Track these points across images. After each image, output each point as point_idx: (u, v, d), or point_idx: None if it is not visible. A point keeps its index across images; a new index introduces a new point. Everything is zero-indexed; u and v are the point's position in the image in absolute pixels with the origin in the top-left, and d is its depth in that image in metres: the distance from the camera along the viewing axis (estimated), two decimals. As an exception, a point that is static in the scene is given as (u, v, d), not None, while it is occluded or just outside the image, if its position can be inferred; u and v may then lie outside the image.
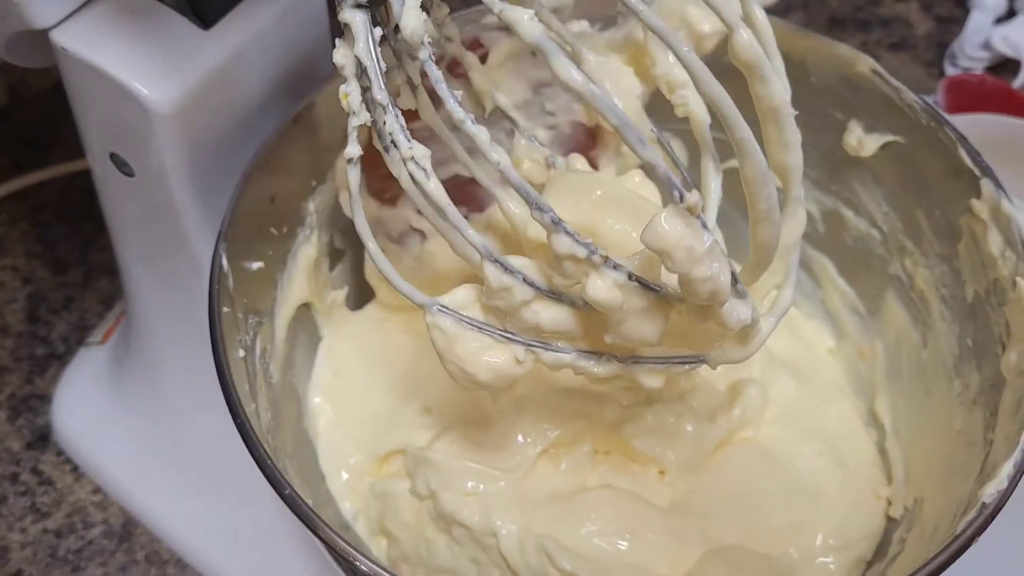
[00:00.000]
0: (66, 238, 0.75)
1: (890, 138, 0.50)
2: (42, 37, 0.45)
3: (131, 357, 0.62)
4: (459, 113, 0.36)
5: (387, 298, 0.54)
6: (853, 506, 0.48)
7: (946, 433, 0.47)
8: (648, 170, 0.32)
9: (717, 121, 0.35)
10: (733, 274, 0.35)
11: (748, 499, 0.48)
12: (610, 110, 0.32)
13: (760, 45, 0.35)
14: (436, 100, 0.39)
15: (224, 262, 0.43)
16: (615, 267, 0.36)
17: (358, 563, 0.37)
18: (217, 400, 0.57)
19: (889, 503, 0.49)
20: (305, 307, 0.52)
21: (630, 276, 0.36)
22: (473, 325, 0.40)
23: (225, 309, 0.42)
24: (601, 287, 0.36)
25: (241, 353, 0.43)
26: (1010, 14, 0.89)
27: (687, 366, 0.42)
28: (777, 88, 0.35)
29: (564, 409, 0.49)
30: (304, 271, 0.51)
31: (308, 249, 0.51)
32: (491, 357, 0.40)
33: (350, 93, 0.40)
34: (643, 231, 0.33)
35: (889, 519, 0.49)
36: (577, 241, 0.35)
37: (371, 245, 0.41)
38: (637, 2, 0.33)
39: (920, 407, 0.50)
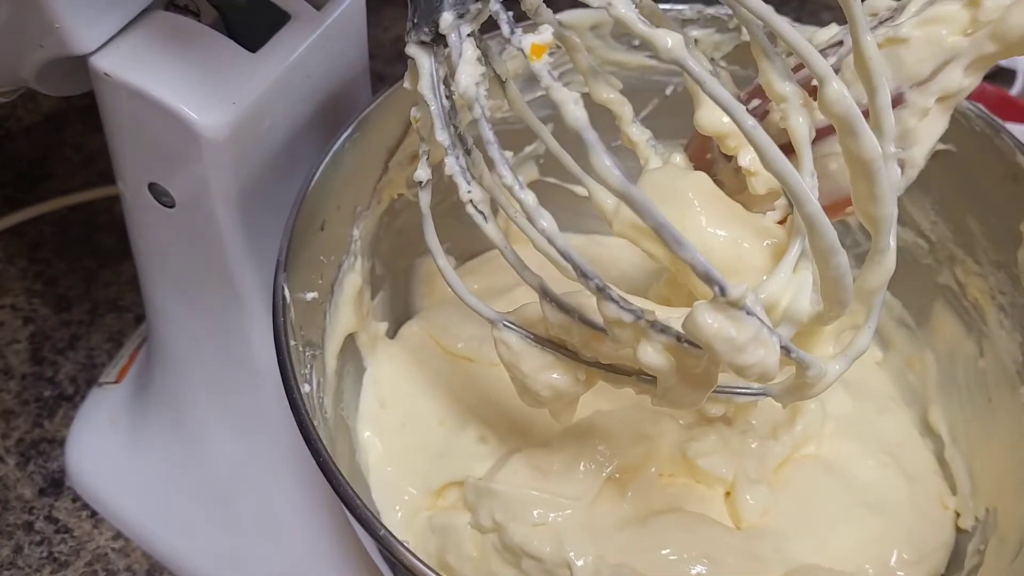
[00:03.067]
0: (67, 274, 0.72)
1: (940, 147, 0.50)
2: (76, 63, 0.43)
3: (153, 395, 0.59)
4: (508, 178, 0.35)
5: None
6: (923, 518, 0.48)
7: (1015, 441, 0.46)
8: (689, 267, 0.31)
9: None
10: (789, 348, 0.35)
11: (819, 517, 0.47)
12: (649, 214, 0.31)
13: (868, 73, 0.34)
14: (489, 161, 0.38)
15: (286, 293, 0.41)
16: (663, 330, 0.35)
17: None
18: (249, 437, 0.55)
19: (957, 514, 0.48)
20: (350, 337, 0.50)
21: (679, 338, 0.35)
22: (537, 343, 0.40)
23: (293, 342, 0.40)
24: (651, 353, 0.35)
25: (307, 388, 0.42)
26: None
27: (751, 397, 0.42)
28: (869, 142, 0.34)
29: (626, 431, 0.47)
30: (350, 300, 0.49)
31: (353, 277, 0.49)
32: (554, 375, 0.40)
33: (420, 118, 0.38)
34: (684, 320, 0.33)
35: (959, 530, 0.48)
36: (623, 307, 0.35)
37: (441, 262, 0.40)
38: (701, 71, 0.32)
39: (981, 416, 0.49)
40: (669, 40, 0.32)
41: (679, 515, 0.46)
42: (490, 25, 0.36)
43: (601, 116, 0.47)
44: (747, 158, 0.43)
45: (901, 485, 0.48)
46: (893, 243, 0.37)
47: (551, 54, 0.52)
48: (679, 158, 0.44)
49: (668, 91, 0.55)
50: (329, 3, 0.46)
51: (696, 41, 0.53)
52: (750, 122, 0.32)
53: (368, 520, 0.36)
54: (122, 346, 0.68)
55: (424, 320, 0.55)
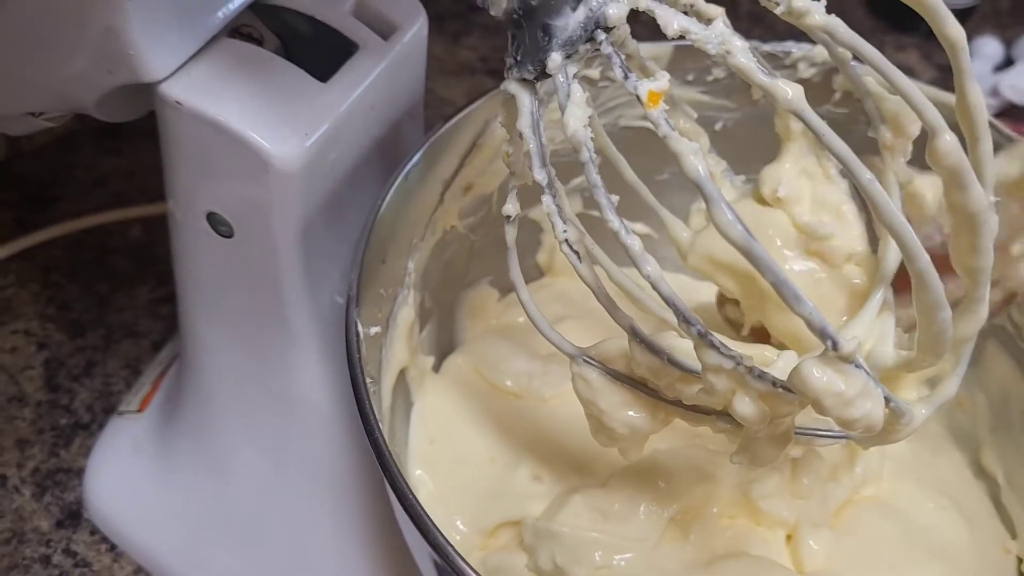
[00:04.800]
0: (81, 298, 0.70)
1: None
2: (139, 90, 0.42)
3: (181, 425, 0.58)
4: (615, 223, 0.34)
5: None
6: (985, 563, 0.47)
7: (1074, 485, 0.46)
8: (804, 322, 0.31)
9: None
10: (888, 397, 0.35)
11: (884, 561, 0.46)
12: (769, 269, 0.31)
13: (972, 122, 0.34)
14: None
15: (359, 328, 0.40)
16: (760, 376, 0.35)
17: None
18: (283, 472, 0.54)
19: (1020, 560, 0.48)
20: (400, 372, 0.49)
21: (775, 383, 0.35)
22: (617, 379, 0.40)
23: (369, 380, 0.39)
24: (747, 404, 0.35)
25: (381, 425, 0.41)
26: (1008, 62, 0.91)
27: (832, 439, 0.41)
28: (977, 195, 0.34)
29: (686, 470, 0.47)
30: (403, 334, 0.48)
31: (407, 311, 0.48)
32: (632, 412, 0.40)
33: (511, 152, 0.38)
34: (789, 374, 0.33)
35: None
36: (723, 353, 0.34)
37: (524, 295, 0.40)
38: (820, 122, 0.32)
39: (1039, 460, 0.50)
40: (789, 91, 0.31)
41: (746, 559, 0.45)
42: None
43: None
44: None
45: (962, 528, 0.48)
46: (987, 294, 0.37)
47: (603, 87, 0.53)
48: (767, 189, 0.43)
49: (718, 126, 0.55)
50: (395, 33, 0.45)
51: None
52: (867, 176, 0.32)
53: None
54: (140, 373, 0.66)
55: (468, 354, 0.54)
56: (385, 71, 0.44)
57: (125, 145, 0.79)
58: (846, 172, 0.43)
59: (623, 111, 0.53)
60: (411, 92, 0.48)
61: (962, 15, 0.97)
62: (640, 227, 0.58)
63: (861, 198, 0.44)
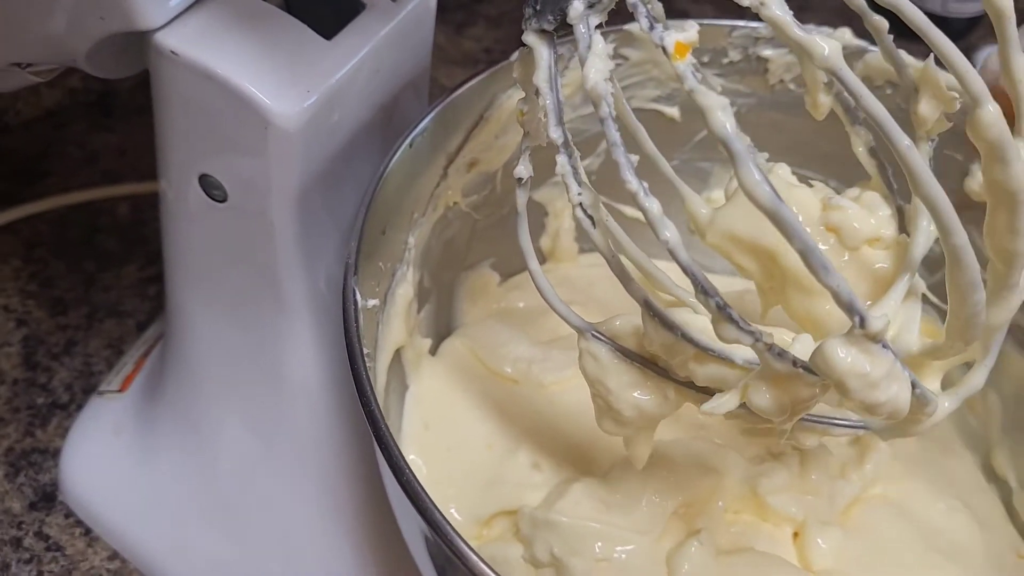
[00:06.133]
0: (65, 276, 0.68)
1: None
2: (132, 41, 0.40)
3: (164, 406, 0.55)
4: (633, 184, 0.32)
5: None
6: (998, 567, 0.46)
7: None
8: (832, 295, 0.29)
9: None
10: (914, 383, 0.33)
11: (894, 562, 0.44)
12: (796, 234, 0.29)
13: (1018, 95, 0.32)
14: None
15: (358, 297, 0.38)
16: (780, 354, 0.33)
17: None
18: (270, 453, 0.52)
19: (1035, 566, 0.47)
20: (395, 353, 0.47)
21: (795, 363, 0.33)
22: (628, 358, 0.38)
23: (369, 351, 0.37)
24: (764, 396, 0.34)
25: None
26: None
27: (849, 430, 0.40)
28: (1018, 172, 0.32)
29: (691, 463, 0.45)
30: (401, 312, 0.46)
31: (405, 288, 0.46)
32: (640, 394, 0.38)
33: (526, 111, 0.36)
34: (812, 354, 0.31)
35: (1032, 582, 0.47)
36: (742, 328, 0.32)
37: (533, 265, 0.38)
38: (859, 84, 0.30)
39: (1053, 463, 0.48)
40: (826, 47, 0.30)
41: (752, 555, 0.43)
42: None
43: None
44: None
45: (974, 531, 0.46)
46: (1022, 280, 0.35)
47: (617, 64, 0.51)
48: (782, 171, 0.41)
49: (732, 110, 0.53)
50: (404, -5, 0.43)
51: (768, 60, 0.51)
52: (906, 142, 0.30)
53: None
54: (123, 353, 0.64)
55: (466, 337, 0.52)
56: (392, 33, 0.43)
57: (118, 123, 0.77)
58: (877, 147, 0.42)
59: (635, 91, 0.52)
60: (417, 61, 0.46)
61: (967, 25, 0.96)
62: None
63: (890, 179, 0.42)
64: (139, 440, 0.57)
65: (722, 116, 0.29)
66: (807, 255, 0.29)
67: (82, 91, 0.78)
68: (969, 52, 0.33)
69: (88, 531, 0.58)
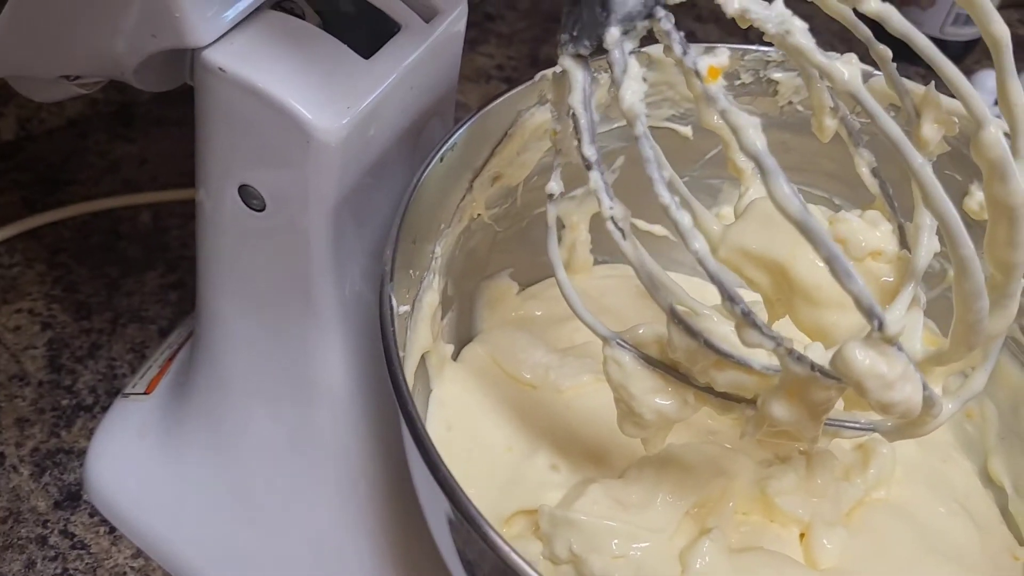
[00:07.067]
0: (89, 281, 0.70)
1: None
2: (178, 57, 0.42)
3: (192, 408, 0.57)
4: (665, 198, 0.34)
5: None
6: (995, 568, 0.48)
7: (1085, 495, 0.47)
8: (853, 299, 0.32)
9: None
10: (923, 384, 0.35)
11: (896, 561, 0.46)
12: (823, 243, 0.31)
13: (1014, 118, 0.34)
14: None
15: (393, 303, 0.40)
16: (799, 359, 0.35)
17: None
18: (297, 456, 0.54)
19: (1028, 567, 0.49)
20: (421, 358, 0.49)
21: (813, 367, 0.35)
22: (650, 364, 0.40)
23: (402, 354, 0.39)
24: (782, 407, 0.36)
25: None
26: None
27: (859, 432, 0.42)
28: (1017, 188, 0.34)
29: (703, 465, 0.47)
30: (427, 318, 0.48)
31: (431, 295, 0.48)
32: (661, 399, 0.40)
33: (559, 131, 0.38)
34: (832, 357, 0.33)
35: (1027, 583, 0.49)
36: (765, 334, 0.35)
37: (561, 275, 0.40)
38: (876, 106, 0.32)
39: (1047, 469, 0.50)
40: (846, 72, 0.32)
41: (761, 553, 0.45)
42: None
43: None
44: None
45: (972, 533, 0.48)
46: (1019, 291, 0.37)
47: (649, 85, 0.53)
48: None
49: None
50: (437, 16, 0.45)
51: (778, 83, 0.53)
52: (919, 160, 0.32)
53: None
54: (146, 358, 0.66)
55: (487, 343, 0.54)
56: (426, 53, 0.45)
57: (138, 134, 0.79)
58: (878, 168, 0.44)
59: (650, 110, 0.54)
60: (447, 80, 0.48)
61: (963, 48, 0.99)
62: (658, 229, 0.58)
63: (891, 198, 0.44)
64: (165, 441, 0.59)
65: (754, 134, 0.31)
66: (832, 262, 0.31)
67: (103, 102, 0.80)
68: (966, 75, 0.35)
69: (112, 530, 0.60)
